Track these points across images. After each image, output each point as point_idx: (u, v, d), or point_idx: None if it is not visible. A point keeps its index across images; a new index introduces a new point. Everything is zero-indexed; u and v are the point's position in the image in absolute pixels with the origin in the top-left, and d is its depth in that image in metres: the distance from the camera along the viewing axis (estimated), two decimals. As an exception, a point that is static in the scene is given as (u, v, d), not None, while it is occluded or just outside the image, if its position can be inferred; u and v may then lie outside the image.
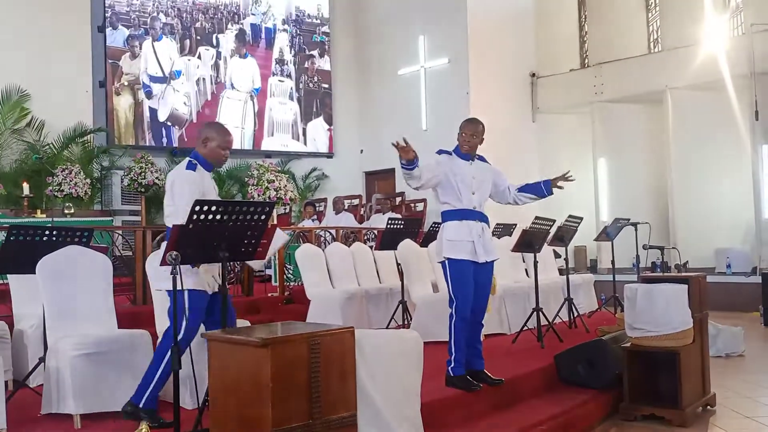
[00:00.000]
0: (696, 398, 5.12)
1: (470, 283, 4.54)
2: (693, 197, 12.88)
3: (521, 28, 14.78)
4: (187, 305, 3.69)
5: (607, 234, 8.33)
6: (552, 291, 7.63)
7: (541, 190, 4.84)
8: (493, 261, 4.68)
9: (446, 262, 4.57)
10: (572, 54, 16.23)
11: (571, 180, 4.85)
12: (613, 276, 8.38)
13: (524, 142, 14.29)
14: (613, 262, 8.42)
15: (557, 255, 8.87)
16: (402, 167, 4.40)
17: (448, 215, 4.64)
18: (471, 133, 4.66)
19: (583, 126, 14.66)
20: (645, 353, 5.01)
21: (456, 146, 4.73)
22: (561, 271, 8.33)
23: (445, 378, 4.53)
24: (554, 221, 6.89)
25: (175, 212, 3.74)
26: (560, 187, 4.85)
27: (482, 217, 4.66)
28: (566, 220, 7.36)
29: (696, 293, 5.14)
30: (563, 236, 7.28)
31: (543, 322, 6.31)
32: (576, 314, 7.18)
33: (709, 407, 5.30)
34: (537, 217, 6.56)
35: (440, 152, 4.71)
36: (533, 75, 14.96)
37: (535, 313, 6.31)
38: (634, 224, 8.07)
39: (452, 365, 4.51)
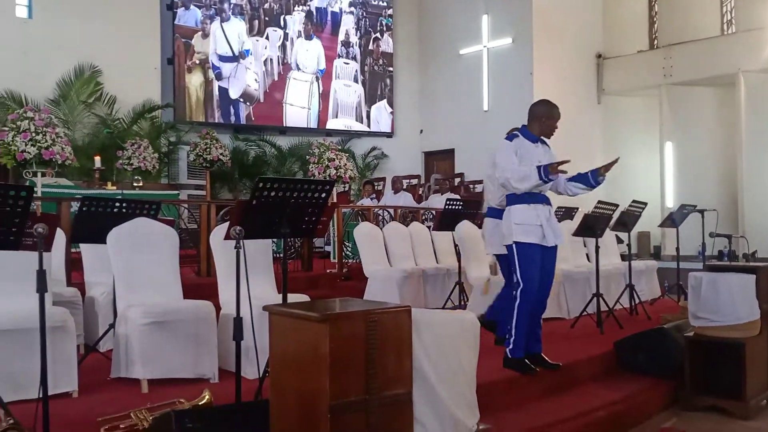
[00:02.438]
0: (760, 391, 4.98)
1: (538, 267, 4.48)
2: (764, 184, 12.42)
3: (588, 8, 14.42)
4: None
5: (672, 220, 8.12)
6: (613, 277, 7.50)
7: (588, 180, 4.62)
8: (557, 245, 4.60)
9: (514, 245, 4.48)
10: (641, 35, 15.72)
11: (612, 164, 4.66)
12: (677, 263, 8.17)
13: (589, 125, 14.01)
14: (677, 249, 8.23)
15: (620, 240, 8.70)
16: (541, 179, 4.32)
17: (516, 198, 4.52)
18: (557, 122, 4.62)
19: (650, 109, 14.26)
20: (708, 343, 4.91)
21: (523, 126, 4.65)
22: (623, 257, 8.17)
23: (503, 360, 4.53)
24: (617, 206, 6.76)
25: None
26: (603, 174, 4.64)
27: (548, 200, 4.60)
28: (630, 205, 7.20)
29: (764, 284, 4.98)
30: (626, 221, 7.13)
31: (603, 308, 6.23)
32: (637, 301, 7.05)
33: (773, 401, 5.15)
34: (600, 202, 6.44)
35: (511, 137, 4.58)
36: (599, 56, 14.60)
37: (595, 298, 6.23)
38: (701, 211, 7.84)
39: (511, 347, 4.49)
